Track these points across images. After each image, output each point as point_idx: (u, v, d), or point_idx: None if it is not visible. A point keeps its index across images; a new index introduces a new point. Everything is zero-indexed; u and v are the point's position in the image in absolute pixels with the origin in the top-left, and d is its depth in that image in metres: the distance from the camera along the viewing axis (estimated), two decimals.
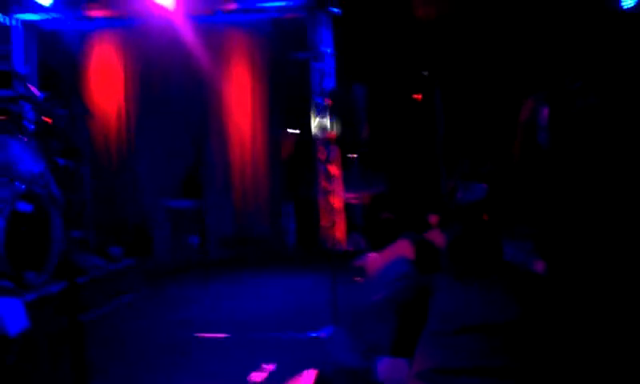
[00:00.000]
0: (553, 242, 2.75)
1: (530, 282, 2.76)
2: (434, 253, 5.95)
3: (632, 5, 7.80)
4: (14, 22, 8.73)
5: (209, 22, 8.83)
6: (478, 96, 9.35)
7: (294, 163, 8.95)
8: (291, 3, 8.42)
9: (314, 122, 8.12)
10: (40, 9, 8.46)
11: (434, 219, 9.14)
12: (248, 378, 4.00)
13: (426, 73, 9.93)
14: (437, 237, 6.58)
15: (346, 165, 8.74)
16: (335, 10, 8.53)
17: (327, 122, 8.02)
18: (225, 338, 4.98)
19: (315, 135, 8.03)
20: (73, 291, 3.86)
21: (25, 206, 5.20)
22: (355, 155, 8.56)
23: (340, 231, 8.66)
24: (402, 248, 5.99)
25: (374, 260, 6.58)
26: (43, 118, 6.32)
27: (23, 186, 5.30)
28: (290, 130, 8.91)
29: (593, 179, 2.74)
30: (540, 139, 3.04)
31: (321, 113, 8.29)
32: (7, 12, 8.58)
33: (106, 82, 9.09)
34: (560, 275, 2.68)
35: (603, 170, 2.76)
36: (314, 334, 4.83)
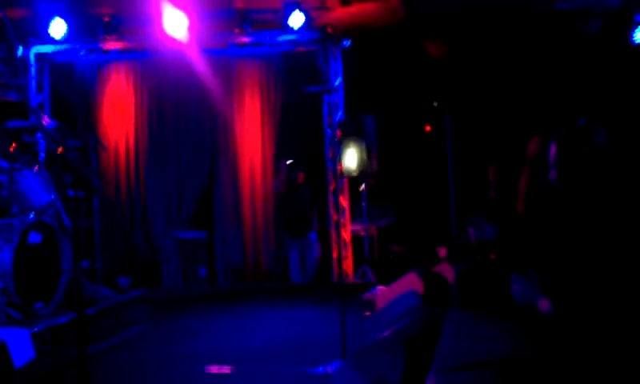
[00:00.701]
0: (559, 281, 2.72)
1: (536, 320, 2.74)
2: (442, 286, 5.92)
3: None
4: (31, 55, 8.86)
5: (221, 55, 8.94)
6: (487, 128, 9.36)
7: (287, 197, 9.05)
8: (302, 37, 8.51)
9: (346, 156, 8.15)
10: (54, 41, 8.59)
11: (442, 252, 9.12)
12: None
13: (435, 104, 9.98)
14: (446, 270, 6.54)
15: (355, 196, 8.75)
16: (345, 42, 8.61)
17: (360, 156, 8.13)
18: (232, 371, 4.94)
19: (348, 170, 8.14)
20: (81, 322, 3.85)
21: (35, 237, 5.22)
22: (364, 187, 8.57)
23: (348, 264, 8.63)
24: (411, 281, 5.97)
25: (383, 293, 6.55)
26: (55, 148, 6.37)
27: (33, 216, 5.33)
28: (287, 162, 9.02)
29: (601, 218, 2.72)
30: (549, 176, 3.02)
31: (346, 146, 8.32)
32: (25, 44, 8.72)
33: (118, 113, 9.17)
34: (565, 314, 2.65)
35: (612, 209, 2.74)
36: (322, 369, 4.78)
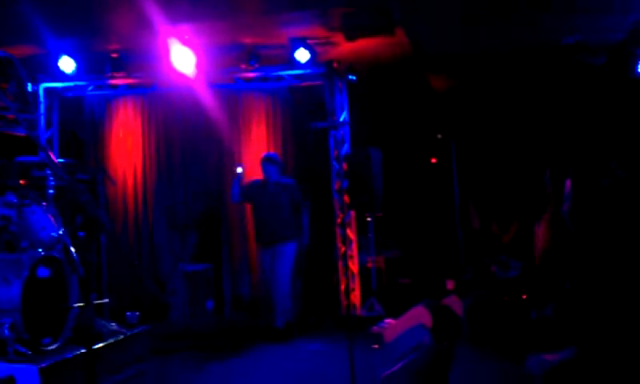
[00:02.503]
0: (578, 324, 2.71)
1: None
2: (452, 320, 5.88)
3: None
4: (40, 91, 8.98)
5: (228, 90, 9.03)
6: (494, 160, 9.40)
7: None
8: (308, 71, 8.59)
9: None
10: (63, 77, 8.71)
11: (450, 285, 9.08)
12: None
13: (439, 136, 10.03)
14: (454, 303, 6.51)
15: (362, 228, 8.74)
16: (351, 77, 8.69)
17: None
18: None
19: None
20: (89, 357, 3.84)
21: (43, 271, 5.24)
22: (371, 219, 8.58)
23: (356, 296, 8.60)
24: (419, 314, 5.94)
25: (391, 327, 6.51)
26: (63, 184, 6.41)
27: (42, 251, 5.36)
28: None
29: (620, 259, 2.71)
30: (563, 209, 3.03)
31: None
32: (35, 81, 8.84)
33: (126, 148, 9.25)
34: (586, 357, 2.63)
35: (624, 247, 2.74)
36: None
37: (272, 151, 8.99)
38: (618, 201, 2.77)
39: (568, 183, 2.92)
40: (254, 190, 7.80)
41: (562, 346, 2.77)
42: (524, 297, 6.66)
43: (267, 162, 7.73)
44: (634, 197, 2.80)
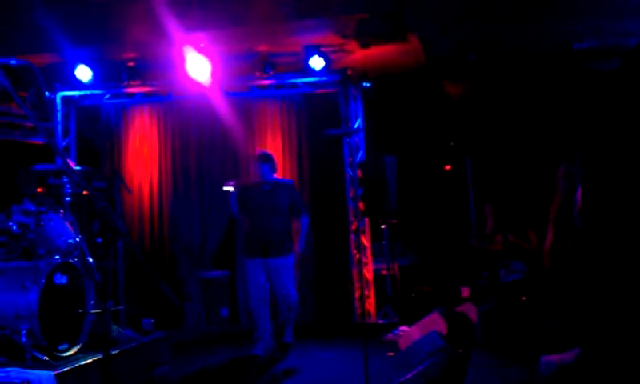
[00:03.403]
0: (586, 327, 2.70)
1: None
2: (467, 326, 5.87)
3: None
4: (57, 99, 9.08)
5: (243, 97, 9.08)
6: (509, 165, 9.36)
7: None
8: (323, 79, 8.62)
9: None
10: (80, 85, 8.80)
11: (466, 292, 9.04)
12: None
13: (452, 143, 10.00)
14: (470, 310, 6.50)
15: (376, 235, 8.74)
16: (366, 84, 8.71)
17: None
18: None
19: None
20: (105, 364, 3.87)
21: (60, 278, 5.29)
22: (385, 226, 8.57)
23: (371, 303, 8.59)
24: (434, 321, 5.94)
25: (406, 334, 6.50)
26: (80, 191, 6.48)
27: (59, 258, 5.41)
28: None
29: (628, 261, 2.70)
30: (575, 210, 3.02)
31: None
32: (52, 89, 8.95)
33: (143, 156, 9.32)
34: (592, 360, 2.62)
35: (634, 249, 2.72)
36: None
37: (287, 158, 9.03)
38: (630, 201, 2.76)
39: (579, 190, 2.92)
40: (247, 192, 6.85)
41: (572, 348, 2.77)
42: (524, 299, 6.64)
43: (259, 160, 6.87)
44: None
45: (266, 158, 6.87)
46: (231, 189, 6.79)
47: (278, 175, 7.10)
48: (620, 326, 2.59)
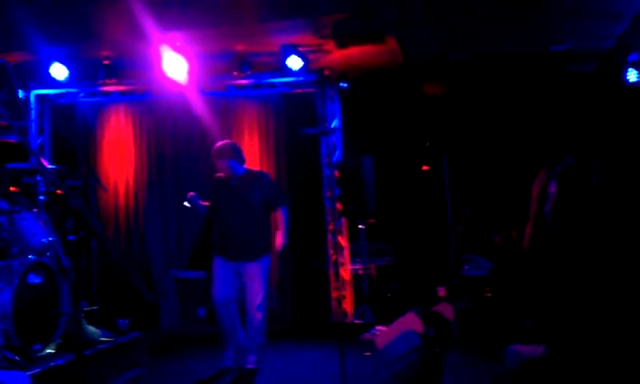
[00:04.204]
0: (554, 325, 2.74)
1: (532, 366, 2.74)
2: (443, 326, 5.91)
3: (636, 80, 7.96)
4: (31, 97, 8.98)
5: (220, 97, 9.05)
6: (486, 166, 9.45)
7: None
8: (300, 79, 8.63)
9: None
10: (55, 84, 8.71)
11: (442, 292, 9.10)
12: None
13: (427, 144, 10.07)
14: (445, 310, 6.54)
15: (353, 236, 8.76)
16: (343, 84, 8.73)
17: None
18: None
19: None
20: (79, 364, 3.83)
21: (34, 278, 5.23)
22: (363, 226, 8.59)
23: (348, 303, 8.60)
24: (411, 321, 5.96)
25: (383, 333, 6.52)
26: (54, 190, 6.41)
27: (33, 258, 5.34)
28: None
29: (599, 260, 2.74)
30: (545, 210, 3.07)
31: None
32: (26, 87, 8.85)
33: (118, 154, 9.25)
34: (560, 359, 2.66)
35: (610, 250, 2.77)
36: None
37: (264, 158, 8.99)
38: (603, 201, 2.80)
39: (553, 184, 2.96)
40: (214, 189, 6.10)
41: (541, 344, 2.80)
42: (488, 295, 6.73)
43: (221, 156, 5.95)
44: (620, 198, 2.83)
45: (229, 152, 5.95)
46: (188, 205, 6.04)
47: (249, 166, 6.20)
48: (587, 326, 2.63)
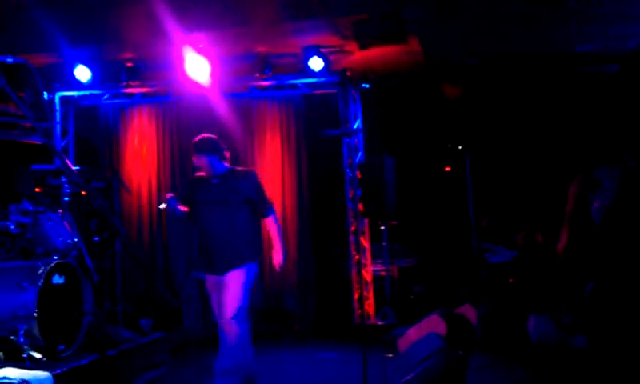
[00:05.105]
0: (597, 317, 2.69)
1: (569, 360, 2.69)
2: (466, 328, 5.84)
3: None
4: (56, 99, 9.07)
5: (242, 98, 9.06)
6: (509, 167, 9.36)
7: None
8: (322, 80, 8.61)
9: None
10: (79, 85, 8.78)
11: (465, 293, 9.01)
12: None
13: (449, 145, 10.00)
14: (469, 311, 6.47)
15: (375, 236, 8.72)
16: (365, 85, 8.70)
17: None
18: None
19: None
20: (103, 364, 3.85)
21: (58, 279, 5.27)
22: (385, 227, 8.55)
23: (370, 305, 8.57)
24: (434, 323, 5.91)
25: (405, 335, 6.47)
26: (78, 191, 6.47)
27: (57, 258, 5.39)
28: None
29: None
30: (593, 208, 3.03)
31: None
32: (51, 90, 8.93)
33: (141, 156, 9.30)
34: (603, 351, 2.61)
35: None
36: None
37: (286, 159, 8.98)
38: None
39: (607, 181, 2.92)
40: (193, 189, 5.35)
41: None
42: (510, 280, 6.65)
43: (200, 150, 5.25)
44: None
45: (210, 147, 5.24)
46: (164, 207, 5.61)
47: (231, 164, 5.44)
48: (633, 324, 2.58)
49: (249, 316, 5.04)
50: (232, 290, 4.95)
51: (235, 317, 4.92)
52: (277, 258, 5.22)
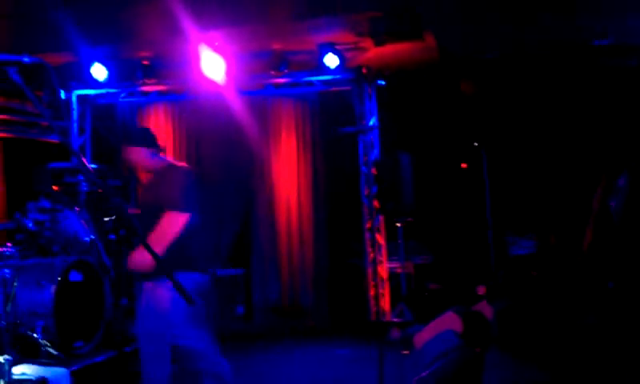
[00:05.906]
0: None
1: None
2: (482, 325, 5.81)
3: None
4: (73, 98, 9.13)
5: (258, 96, 9.07)
6: (526, 164, 9.29)
7: None
8: (337, 77, 8.59)
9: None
10: (95, 84, 8.84)
11: (481, 290, 8.97)
12: None
13: (475, 144, 9.95)
14: (485, 309, 6.43)
15: (391, 234, 8.70)
16: (380, 82, 8.67)
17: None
18: None
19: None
20: (119, 361, 3.86)
21: (76, 276, 5.31)
22: (400, 224, 8.53)
23: (386, 302, 8.55)
24: (450, 320, 5.88)
25: (421, 333, 6.45)
26: (95, 189, 6.51)
27: (74, 256, 5.43)
28: None
29: None
30: (611, 204, 3.01)
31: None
32: (67, 88, 9.00)
33: None
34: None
35: None
36: None
37: (302, 156, 8.99)
38: None
39: (622, 180, 2.90)
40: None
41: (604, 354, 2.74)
42: (534, 273, 6.61)
43: (135, 142, 4.33)
44: None
45: (145, 139, 4.31)
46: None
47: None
48: None
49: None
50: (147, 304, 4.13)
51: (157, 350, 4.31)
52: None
